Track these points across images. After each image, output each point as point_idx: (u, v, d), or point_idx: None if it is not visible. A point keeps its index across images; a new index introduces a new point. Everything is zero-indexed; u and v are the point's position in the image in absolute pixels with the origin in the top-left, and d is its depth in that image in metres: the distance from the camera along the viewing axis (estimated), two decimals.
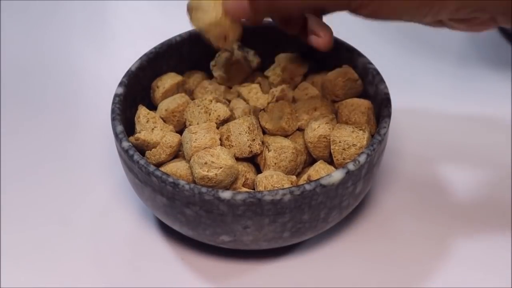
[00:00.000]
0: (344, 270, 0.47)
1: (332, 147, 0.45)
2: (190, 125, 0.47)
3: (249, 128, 0.45)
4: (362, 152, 0.44)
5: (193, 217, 0.43)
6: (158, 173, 0.43)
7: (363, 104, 0.47)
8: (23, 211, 0.51)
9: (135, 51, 0.51)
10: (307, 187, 0.42)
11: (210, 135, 0.45)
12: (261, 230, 0.43)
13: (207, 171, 0.43)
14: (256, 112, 0.48)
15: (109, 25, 0.68)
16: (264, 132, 0.47)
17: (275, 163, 0.45)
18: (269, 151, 0.46)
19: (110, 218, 0.51)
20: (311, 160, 0.47)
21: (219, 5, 0.43)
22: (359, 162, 0.43)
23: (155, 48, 0.51)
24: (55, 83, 0.61)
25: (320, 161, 0.46)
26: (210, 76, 0.52)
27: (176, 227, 0.46)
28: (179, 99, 0.49)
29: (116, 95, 0.47)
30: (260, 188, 0.44)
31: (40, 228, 0.50)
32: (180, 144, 0.46)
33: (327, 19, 0.45)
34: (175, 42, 0.51)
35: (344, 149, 0.45)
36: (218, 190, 0.42)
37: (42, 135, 0.56)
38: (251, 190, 0.44)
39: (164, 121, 0.48)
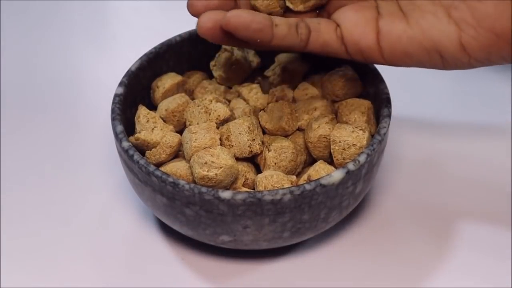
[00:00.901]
0: (344, 270, 0.47)
1: (332, 147, 0.45)
2: (190, 125, 0.47)
3: (249, 128, 0.45)
4: (362, 152, 0.44)
5: (193, 217, 0.43)
6: (158, 173, 0.43)
7: (363, 104, 0.47)
8: (23, 211, 0.51)
9: (135, 51, 0.51)
10: (307, 187, 0.42)
11: (210, 135, 0.45)
12: (261, 230, 0.43)
13: (207, 171, 0.43)
14: (256, 112, 0.48)
15: (109, 25, 0.68)
16: (264, 132, 0.47)
17: (275, 163, 0.45)
18: (269, 151, 0.46)
19: (110, 218, 0.51)
20: (311, 160, 0.47)
21: None
22: (359, 162, 0.43)
23: (155, 48, 0.51)
24: (55, 83, 0.61)
25: (320, 161, 0.46)
26: (210, 76, 0.52)
27: (176, 227, 0.46)
28: (179, 99, 0.49)
29: (116, 95, 0.47)
30: (260, 188, 0.44)
31: (40, 228, 0.50)
32: (180, 144, 0.46)
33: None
34: (175, 42, 0.51)
35: (344, 149, 0.45)
36: (218, 190, 0.42)
37: (42, 135, 0.56)
38: (251, 190, 0.44)
39: (164, 121, 0.48)
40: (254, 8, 0.46)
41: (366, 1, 0.45)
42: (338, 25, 0.44)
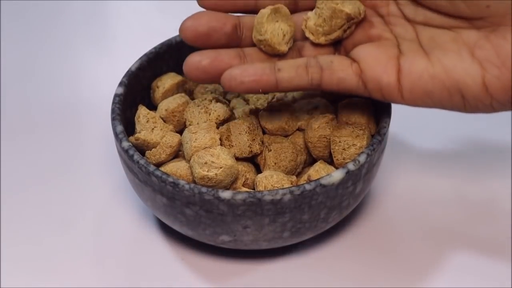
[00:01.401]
0: (344, 270, 0.47)
1: (332, 147, 0.45)
2: (190, 125, 0.47)
3: (249, 128, 0.45)
4: (362, 152, 0.44)
5: (193, 217, 0.43)
6: (158, 173, 0.43)
7: (363, 104, 0.47)
8: (23, 211, 0.51)
9: (135, 51, 0.51)
10: (307, 187, 0.42)
11: (210, 135, 0.45)
12: (261, 230, 0.43)
13: (207, 171, 0.43)
14: (256, 112, 0.48)
15: (109, 25, 0.68)
16: (264, 132, 0.47)
17: (275, 163, 0.45)
18: (269, 151, 0.46)
19: (110, 218, 0.51)
20: (311, 160, 0.47)
21: None
22: (359, 162, 0.43)
23: (155, 48, 0.51)
24: (55, 84, 0.61)
25: (320, 161, 0.46)
26: None
27: (176, 227, 0.46)
28: (179, 99, 0.49)
29: (116, 95, 0.47)
30: (260, 188, 0.44)
31: (40, 228, 0.50)
32: (180, 144, 0.46)
33: None
34: (175, 42, 0.51)
35: (344, 149, 0.45)
36: (218, 190, 0.42)
37: (41, 135, 0.56)
38: (251, 190, 0.44)
39: (164, 121, 0.48)
40: (259, 48, 0.45)
41: (387, 39, 0.44)
42: (354, 61, 0.43)
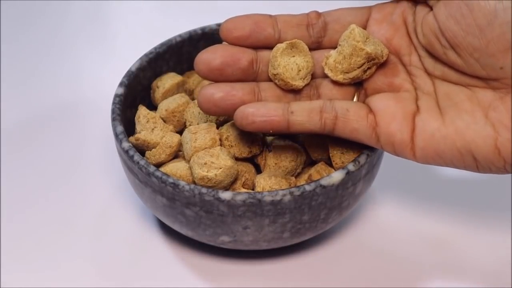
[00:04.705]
0: (344, 270, 0.47)
1: (330, 151, 0.45)
2: (190, 125, 0.47)
3: None
4: (362, 153, 0.44)
5: (193, 217, 0.43)
6: (158, 173, 0.43)
7: None
8: (23, 211, 0.51)
9: (135, 51, 0.51)
10: (307, 187, 0.42)
11: (210, 135, 0.45)
12: (261, 231, 0.43)
13: (207, 172, 0.43)
14: None
15: (109, 25, 0.68)
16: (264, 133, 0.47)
17: (275, 163, 0.45)
18: (269, 151, 0.46)
19: (110, 218, 0.51)
20: (311, 161, 0.47)
21: None
22: (359, 162, 0.43)
23: (155, 48, 0.51)
24: (55, 84, 0.61)
25: (322, 162, 0.46)
26: None
27: (176, 227, 0.46)
28: (179, 99, 0.49)
29: (116, 95, 0.47)
30: (259, 190, 0.44)
31: (40, 228, 0.50)
32: (180, 145, 0.46)
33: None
34: (175, 42, 0.51)
35: (342, 153, 0.45)
36: (218, 190, 0.42)
37: (42, 135, 0.56)
38: (251, 191, 0.44)
39: (164, 121, 0.48)
40: (274, 82, 0.44)
41: (407, 91, 0.43)
42: (370, 111, 0.42)
